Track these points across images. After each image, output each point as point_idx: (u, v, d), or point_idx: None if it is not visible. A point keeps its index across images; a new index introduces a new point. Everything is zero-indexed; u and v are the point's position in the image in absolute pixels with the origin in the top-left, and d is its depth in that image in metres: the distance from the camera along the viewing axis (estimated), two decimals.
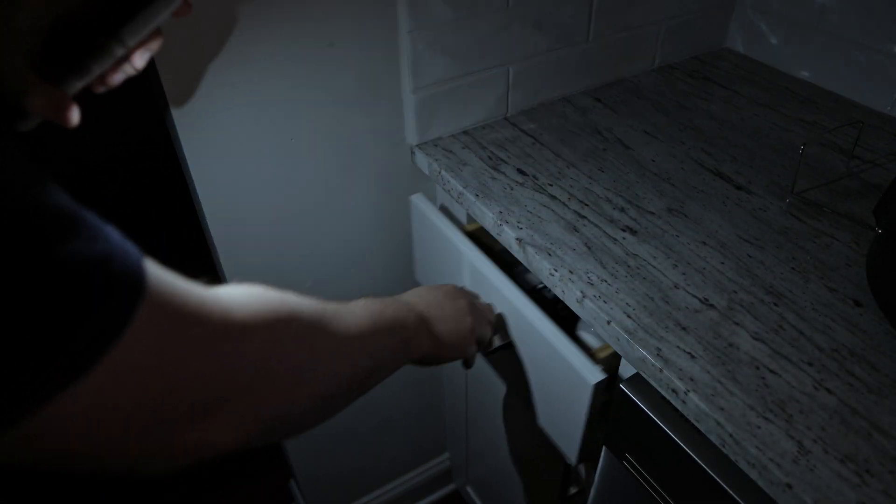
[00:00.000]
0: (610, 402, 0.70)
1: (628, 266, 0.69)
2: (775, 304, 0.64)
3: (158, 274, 0.31)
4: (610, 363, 0.69)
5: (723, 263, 0.69)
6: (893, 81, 0.93)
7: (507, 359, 0.81)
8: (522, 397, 0.82)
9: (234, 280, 0.84)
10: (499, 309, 0.76)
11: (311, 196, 0.85)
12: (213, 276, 0.86)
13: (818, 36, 0.99)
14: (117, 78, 0.52)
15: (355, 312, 0.49)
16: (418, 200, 0.90)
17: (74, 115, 0.46)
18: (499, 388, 1.00)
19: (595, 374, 0.65)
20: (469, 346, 0.66)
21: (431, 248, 0.89)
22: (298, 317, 0.41)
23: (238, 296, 0.37)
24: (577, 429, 0.71)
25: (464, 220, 0.91)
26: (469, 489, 1.33)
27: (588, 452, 0.75)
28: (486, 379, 1.04)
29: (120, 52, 0.48)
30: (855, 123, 0.86)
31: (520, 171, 0.84)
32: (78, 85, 0.47)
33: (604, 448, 0.73)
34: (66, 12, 0.45)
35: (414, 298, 0.64)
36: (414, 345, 0.58)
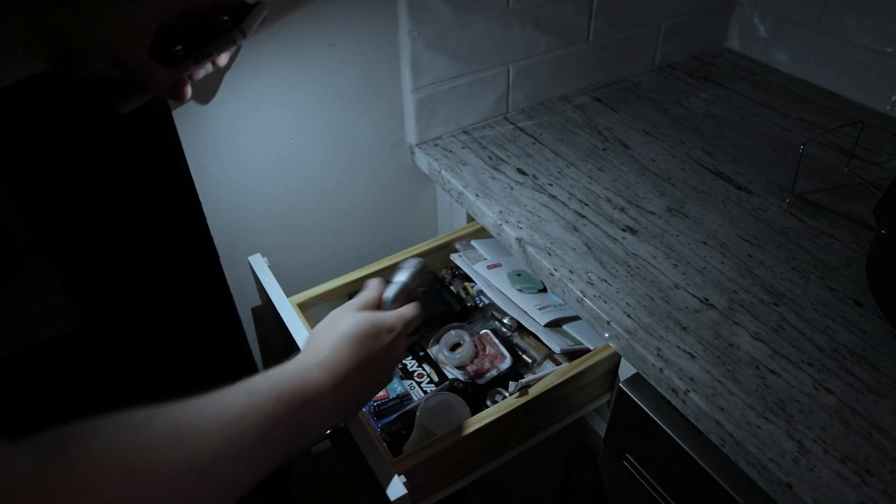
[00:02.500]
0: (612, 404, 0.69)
1: (628, 266, 0.69)
2: (775, 304, 0.64)
3: None
4: (416, 476, 0.59)
5: (723, 263, 0.69)
6: (893, 81, 0.93)
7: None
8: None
9: (235, 279, 0.84)
10: (410, 273, 0.63)
11: (310, 195, 0.85)
12: (213, 274, 0.85)
13: (818, 36, 0.99)
14: (200, 74, 0.61)
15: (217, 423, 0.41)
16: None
17: (188, 91, 0.55)
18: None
19: (397, 489, 0.55)
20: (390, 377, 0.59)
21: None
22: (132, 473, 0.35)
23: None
24: None
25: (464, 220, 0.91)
26: (469, 489, 1.32)
27: (578, 459, 0.73)
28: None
29: (240, 40, 0.61)
30: (855, 123, 0.86)
31: (520, 171, 0.84)
32: (192, 68, 0.59)
33: (604, 448, 0.73)
34: (185, 9, 0.56)
35: (318, 377, 0.51)
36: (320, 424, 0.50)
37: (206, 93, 0.69)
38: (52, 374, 0.80)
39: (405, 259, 0.62)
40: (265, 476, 0.44)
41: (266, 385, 0.46)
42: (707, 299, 0.65)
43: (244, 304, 0.88)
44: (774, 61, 1.08)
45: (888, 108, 0.95)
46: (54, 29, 0.49)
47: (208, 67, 0.61)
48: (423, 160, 0.88)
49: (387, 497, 0.53)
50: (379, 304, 0.60)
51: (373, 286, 0.61)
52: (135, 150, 0.72)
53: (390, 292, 0.61)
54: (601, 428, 0.77)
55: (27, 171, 0.68)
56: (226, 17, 0.61)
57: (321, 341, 0.53)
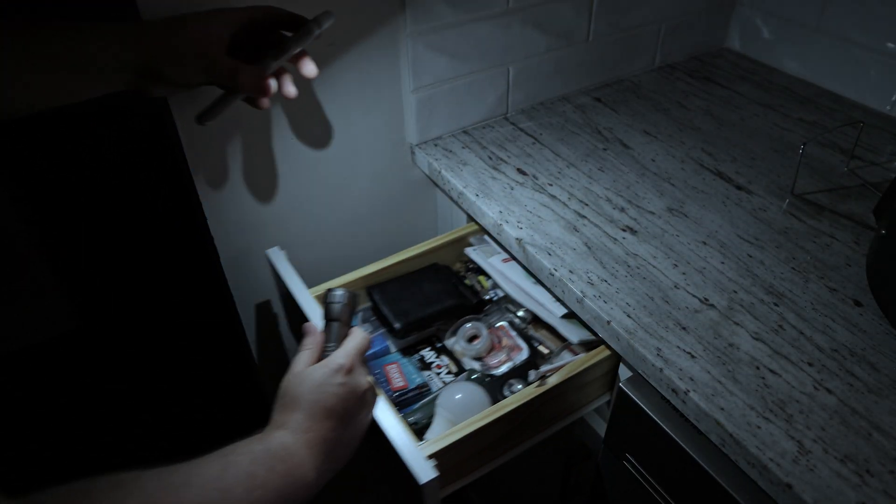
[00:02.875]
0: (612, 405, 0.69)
1: (628, 266, 0.69)
2: (775, 304, 0.64)
3: None
4: (442, 461, 0.60)
5: (723, 263, 0.69)
6: (893, 81, 0.93)
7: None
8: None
9: (234, 278, 0.84)
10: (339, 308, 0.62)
11: (310, 195, 0.85)
12: (213, 274, 0.85)
13: (818, 36, 0.99)
14: (282, 73, 0.64)
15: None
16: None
17: (273, 86, 0.61)
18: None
19: (427, 472, 0.57)
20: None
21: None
22: None
23: None
24: None
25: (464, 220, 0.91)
26: (469, 489, 1.32)
27: (578, 460, 0.74)
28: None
29: (316, 32, 0.64)
30: (855, 123, 0.86)
31: (520, 171, 0.84)
32: (274, 66, 0.61)
33: (604, 448, 0.73)
34: (250, 20, 0.60)
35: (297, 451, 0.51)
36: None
37: (288, 88, 0.66)
38: (51, 374, 0.80)
39: (330, 291, 0.61)
40: None
41: (239, 452, 0.47)
42: (707, 299, 0.65)
43: (244, 302, 0.88)
44: (774, 61, 1.08)
45: (888, 108, 0.95)
46: (146, 49, 0.55)
47: (290, 66, 0.65)
48: (423, 160, 0.88)
49: (416, 481, 0.55)
50: (323, 350, 0.59)
51: (310, 337, 0.60)
52: (136, 152, 0.72)
53: (332, 335, 0.60)
54: (601, 428, 0.77)
55: (28, 176, 0.69)
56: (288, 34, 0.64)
57: (285, 414, 0.53)
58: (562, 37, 0.93)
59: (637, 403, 0.63)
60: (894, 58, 0.91)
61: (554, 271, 0.69)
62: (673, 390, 0.58)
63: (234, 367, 0.92)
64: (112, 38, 0.54)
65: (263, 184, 0.81)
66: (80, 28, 0.54)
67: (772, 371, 0.57)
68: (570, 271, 0.68)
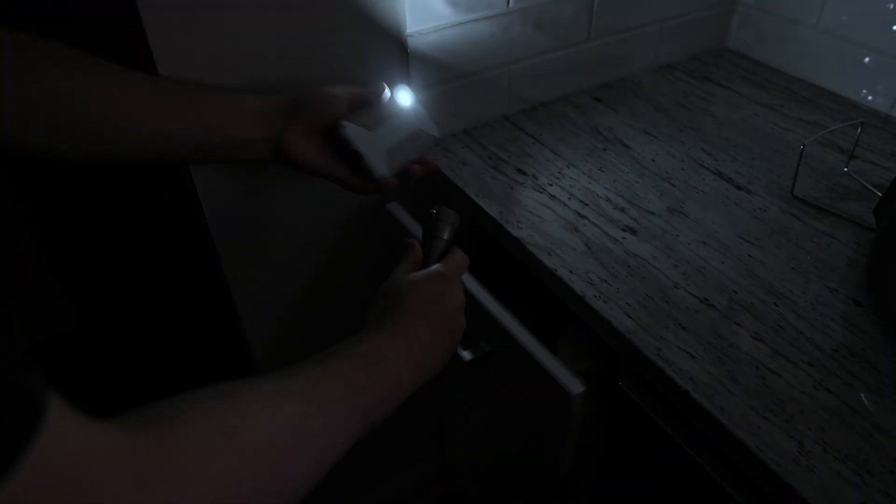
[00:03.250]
0: (594, 411, 0.69)
1: (628, 266, 0.69)
2: (775, 304, 0.64)
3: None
4: (589, 374, 0.67)
5: (723, 263, 0.69)
6: (893, 81, 0.93)
7: (484, 369, 0.78)
8: (504, 408, 0.80)
9: (236, 279, 0.84)
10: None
11: (309, 195, 0.85)
12: (214, 274, 0.85)
13: (818, 36, 0.99)
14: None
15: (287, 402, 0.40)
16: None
17: (393, 182, 0.68)
18: (498, 387, 1.00)
19: (576, 386, 0.62)
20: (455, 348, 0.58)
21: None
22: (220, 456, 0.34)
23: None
24: (561, 441, 0.69)
25: None
26: (468, 488, 1.32)
27: (577, 461, 0.74)
28: (485, 377, 1.03)
29: (433, 143, 0.73)
30: (855, 123, 0.86)
31: (520, 171, 0.84)
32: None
33: (603, 448, 0.73)
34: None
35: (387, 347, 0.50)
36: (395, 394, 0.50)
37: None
38: (52, 374, 0.81)
39: (437, 209, 0.61)
40: (350, 446, 0.44)
41: (338, 356, 0.46)
42: (707, 299, 0.65)
43: (245, 302, 0.88)
44: (774, 61, 1.08)
45: (888, 108, 0.95)
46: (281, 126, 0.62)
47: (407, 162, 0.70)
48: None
49: (567, 392, 0.61)
50: (423, 264, 0.60)
51: (411, 251, 0.60)
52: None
53: (432, 252, 0.60)
54: (601, 428, 0.77)
55: (28, 176, 0.69)
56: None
57: (382, 316, 0.53)
58: (562, 37, 0.93)
59: (637, 403, 0.63)
60: (894, 58, 0.91)
61: (554, 271, 0.69)
62: (673, 390, 0.58)
63: (234, 367, 0.92)
64: (252, 111, 0.60)
65: (261, 184, 0.81)
66: (223, 94, 0.59)
67: (772, 371, 0.57)
68: (570, 271, 0.68)
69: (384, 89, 0.68)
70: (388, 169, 0.67)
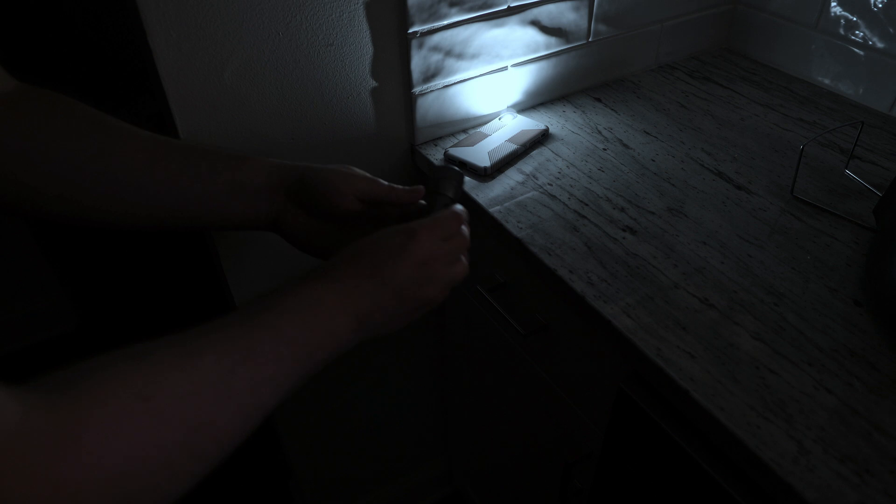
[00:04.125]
0: (595, 410, 0.70)
1: (628, 266, 0.69)
2: (775, 304, 0.64)
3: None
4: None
5: (723, 263, 0.69)
6: (893, 81, 0.93)
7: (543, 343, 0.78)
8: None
9: (236, 279, 0.84)
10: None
11: None
12: (214, 272, 0.85)
13: (818, 36, 0.99)
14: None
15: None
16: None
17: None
18: (500, 387, 1.00)
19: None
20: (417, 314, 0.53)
21: None
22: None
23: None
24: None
25: None
26: (469, 489, 1.33)
27: (577, 460, 0.74)
28: (487, 377, 1.04)
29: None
30: (855, 123, 0.86)
31: (520, 171, 0.84)
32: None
33: (603, 449, 0.73)
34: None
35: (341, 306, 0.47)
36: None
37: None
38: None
39: (443, 167, 0.59)
40: (283, 397, 0.42)
41: (269, 305, 0.44)
42: (707, 299, 0.65)
43: (246, 294, 0.88)
44: (774, 61, 1.08)
45: (888, 108, 0.95)
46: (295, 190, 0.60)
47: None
48: (423, 161, 0.88)
49: None
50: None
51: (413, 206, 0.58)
52: None
53: (437, 207, 0.57)
54: (601, 429, 0.77)
55: None
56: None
57: (327, 264, 0.50)
58: (562, 37, 0.93)
59: (637, 403, 0.63)
60: (894, 58, 0.91)
61: (554, 271, 0.69)
62: (673, 390, 0.58)
63: None
64: (270, 173, 0.59)
65: None
66: (240, 159, 0.58)
67: (772, 371, 0.58)
68: (570, 271, 0.68)
69: (411, 191, 0.61)
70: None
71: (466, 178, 0.82)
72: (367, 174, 0.61)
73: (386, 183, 0.60)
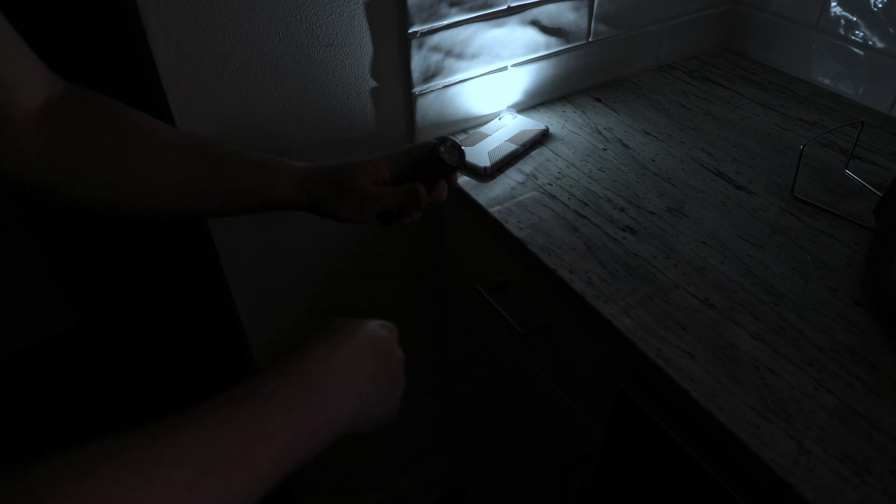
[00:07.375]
0: (594, 411, 0.69)
1: (628, 266, 0.69)
2: (775, 304, 0.64)
3: None
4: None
5: (723, 263, 0.69)
6: (893, 81, 0.93)
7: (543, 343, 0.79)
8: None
9: (236, 279, 0.84)
10: None
11: None
12: (213, 272, 0.85)
13: (818, 36, 0.99)
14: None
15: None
16: None
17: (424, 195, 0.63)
18: (500, 386, 1.00)
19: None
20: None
21: None
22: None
23: None
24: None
25: None
26: (469, 489, 1.33)
27: (577, 461, 0.73)
28: (487, 377, 1.04)
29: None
30: (855, 123, 0.86)
31: (520, 171, 0.84)
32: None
33: (603, 449, 0.73)
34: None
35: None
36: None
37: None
38: (52, 374, 0.80)
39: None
40: (267, 491, 0.38)
41: (251, 396, 0.41)
42: (707, 299, 0.65)
43: (245, 302, 0.88)
44: (774, 61, 1.08)
45: (888, 108, 0.95)
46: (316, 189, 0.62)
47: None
48: None
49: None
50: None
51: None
52: None
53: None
54: (601, 429, 0.77)
55: None
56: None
57: (320, 343, 0.50)
58: (562, 37, 0.93)
59: (637, 403, 0.63)
60: (894, 58, 0.91)
61: (554, 271, 0.69)
62: (673, 390, 0.58)
63: (234, 366, 0.92)
64: (289, 177, 0.61)
65: None
66: (257, 161, 0.60)
67: (772, 371, 0.58)
68: (570, 271, 0.68)
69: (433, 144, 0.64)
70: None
71: (467, 179, 0.82)
72: (380, 157, 0.64)
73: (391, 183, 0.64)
